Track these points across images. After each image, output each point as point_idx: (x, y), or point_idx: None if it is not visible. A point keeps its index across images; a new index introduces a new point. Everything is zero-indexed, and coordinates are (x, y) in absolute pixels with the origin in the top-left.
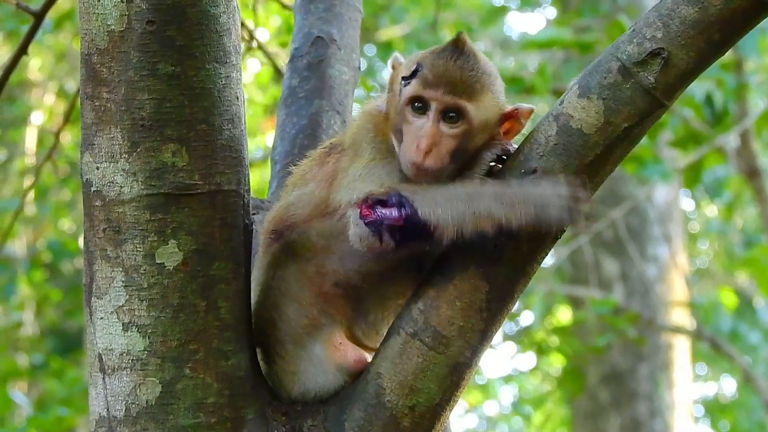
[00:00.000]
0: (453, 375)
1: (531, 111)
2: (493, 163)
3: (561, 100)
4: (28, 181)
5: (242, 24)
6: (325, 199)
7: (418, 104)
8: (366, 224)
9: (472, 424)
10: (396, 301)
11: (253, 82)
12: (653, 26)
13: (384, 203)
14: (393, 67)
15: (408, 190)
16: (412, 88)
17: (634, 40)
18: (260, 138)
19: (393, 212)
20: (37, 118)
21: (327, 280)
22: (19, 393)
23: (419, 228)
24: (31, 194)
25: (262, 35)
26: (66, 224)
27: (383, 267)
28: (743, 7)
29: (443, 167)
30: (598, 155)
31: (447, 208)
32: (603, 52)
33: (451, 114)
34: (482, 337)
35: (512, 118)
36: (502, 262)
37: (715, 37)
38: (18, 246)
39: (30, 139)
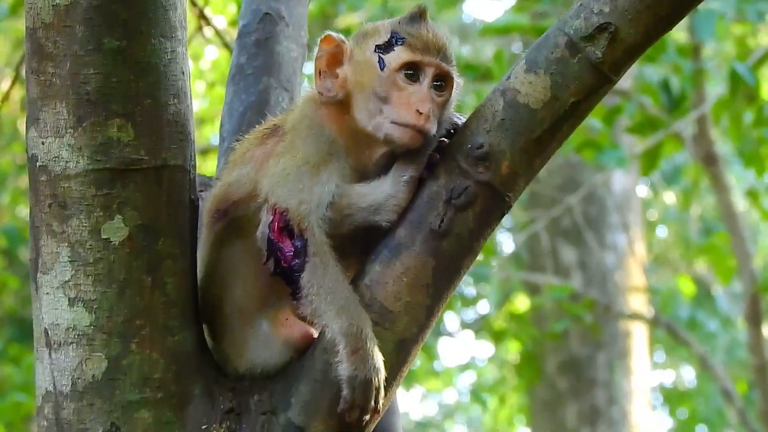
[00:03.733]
0: (399, 351)
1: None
2: (442, 139)
3: (508, 75)
4: None
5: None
6: (257, 181)
7: (410, 71)
8: (267, 240)
9: (431, 412)
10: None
11: (210, 68)
12: (600, 1)
13: (291, 236)
14: (328, 44)
15: (315, 246)
16: (404, 54)
17: (582, 15)
18: (218, 124)
19: (289, 252)
20: None
21: None
22: None
23: (294, 283)
24: None
25: (213, 17)
26: (24, 211)
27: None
28: None
29: (434, 131)
30: (545, 131)
31: (319, 296)
32: (550, 26)
33: (439, 82)
34: (428, 313)
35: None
36: (448, 238)
37: (663, 12)
38: None
39: None
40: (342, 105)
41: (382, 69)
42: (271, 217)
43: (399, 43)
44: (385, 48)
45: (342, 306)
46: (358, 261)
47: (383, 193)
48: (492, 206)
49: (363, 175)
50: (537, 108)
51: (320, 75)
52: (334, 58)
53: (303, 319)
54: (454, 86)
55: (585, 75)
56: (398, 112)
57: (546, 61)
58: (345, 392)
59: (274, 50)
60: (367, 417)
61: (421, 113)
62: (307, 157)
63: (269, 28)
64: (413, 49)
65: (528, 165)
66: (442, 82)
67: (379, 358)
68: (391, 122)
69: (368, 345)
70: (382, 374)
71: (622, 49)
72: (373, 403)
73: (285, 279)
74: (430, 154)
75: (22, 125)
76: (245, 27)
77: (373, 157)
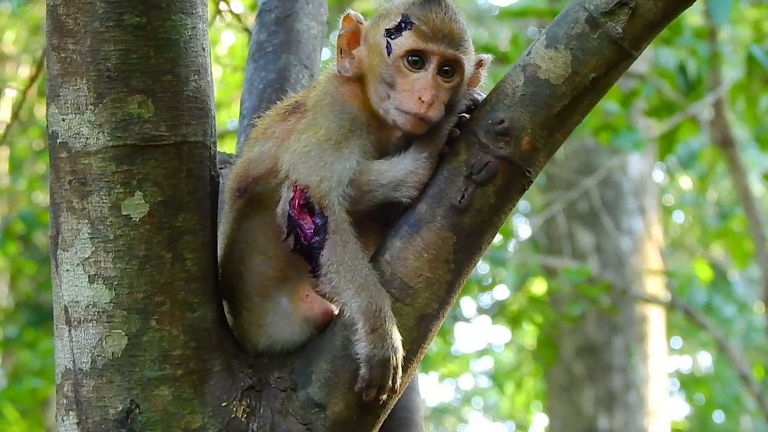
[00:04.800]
0: (420, 327)
1: (489, 60)
2: (462, 114)
3: (528, 51)
4: (2, 153)
5: None
6: (278, 157)
7: (415, 58)
8: (288, 216)
9: (448, 398)
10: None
11: (227, 54)
12: None
13: (312, 213)
14: (348, 23)
15: (335, 222)
16: (409, 41)
17: None
18: (235, 108)
19: (309, 229)
20: (11, 92)
21: None
22: None
23: (314, 260)
24: (6, 167)
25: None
26: (40, 197)
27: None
28: None
29: (440, 118)
30: (565, 105)
31: (339, 274)
32: (571, 2)
33: (447, 68)
34: (449, 289)
35: (480, 67)
36: (469, 213)
37: None
38: None
39: (4, 112)
40: (362, 83)
41: (389, 54)
42: (291, 194)
43: (408, 28)
44: (394, 33)
45: (361, 284)
46: (377, 238)
47: (404, 169)
48: (513, 181)
49: (384, 152)
50: (557, 83)
51: (341, 53)
52: (353, 38)
53: (323, 295)
54: (476, 66)
55: (605, 50)
56: (402, 99)
57: (566, 36)
58: (362, 371)
59: (293, 27)
60: (384, 396)
61: (423, 101)
62: (330, 134)
63: (289, 6)
64: (420, 36)
65: (548, 139)
66: (450, 67)
67: (397, 338)
68: (395, 108)
69: (387, 324)
70: (400, 354)
71: (642, 24)
72: (390, 382)
73: (305, 256)
74: (451, 129)
75: (38, 111)
76: (265, 4)
77: (393, 135)
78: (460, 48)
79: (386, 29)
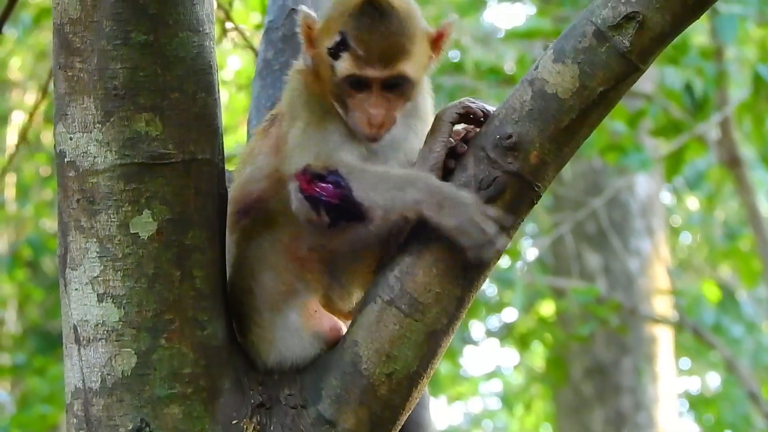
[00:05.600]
0: (430, 342)
1: (452, 22)
2: (460, 126)
3: (536, 65)
4: (9, 179)
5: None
6: (276, 168)
7: (356, 81)
8: (305, 198)
9: (457, 421)
10: (371, 265)
11: (233, 78)
12: None
13: (322, 178)
14: (306, 25)
15: (345, 167)
16: (346, 66)
17: (609, 4)
18: (242, 132)
19: (330, 189)
20: (18, 117)
21: (302, 245)
22: (1, 392)
23: (353, 208)
24: (13, 192)
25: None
26: (48, 223)
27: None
28: None
29: (394, 124)
30: (573, 119)
31: (380, 191)
32: (577, 16)
33: (391, 84)
34: (459, 304)
35: (440, 38)
36: None
37: (690, 0)
38: None
39: (11, 138)
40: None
41: (334, 74)
42: (296, 183)
43: (345, 49)
44: (334, 53)
45: (399, 184)
46: (386, 246)
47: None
48: (522, 196)
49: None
50: (565, 97)
51: (305, 46)
52: (308, 39)
53: (332, 310)
54: (436, 40)
55: (613, 64)
56: (352, 117)
57: (574, 50)
58: (462, 241)
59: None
60: (498, 242)
61: (372, 124)
62: (308, 119)
63: (296, 24)
64: (356, 60)
65: (557, 154)
66: (395, 81)
67: (464, 194)
68: (350, 122)
69: (446, 191)
70: (478, 202)
71: (650, 37)
72: (491, 225)
73: (346, 217)
74: (457, 144)
75: (44, 137)
76: (272, 23)
77: None
78: (401, 61)
79: (327, 48)
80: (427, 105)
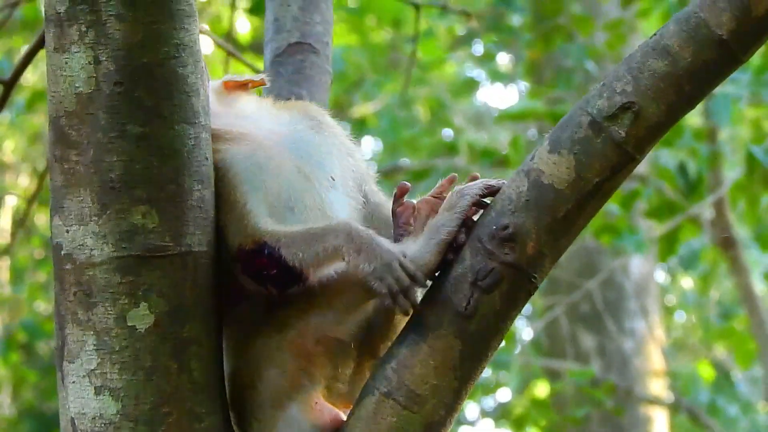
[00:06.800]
0: None
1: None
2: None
3: (531, 156)
4: (3, 263)
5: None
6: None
7: None
8: (250, 278)
9: None
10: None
11: None
12: (623, 80)
13: (257, 253)
14: None
15: (270, 237)
16: None
17: (604, 95)
18: None
19: (265, 263)
20: (11, 200)
21: (309, 340)
22: None
23: (290, 272)
24: (7, 276)
25: None
26: (42, 306)
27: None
28: (714, 60)
29: None
30: (570, 210)
31: (305, 249)
32: (573, 106)
33: None
34: (456, 396)
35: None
36: (475, 319)
37: (686, 89)
38: None
39: (4, 221)
40: None
41: None
42: (236, 266)
43: None
44: None
45: (316, 234)
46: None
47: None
48: (518, 287)
49: None
50: (562, 188)
51: None
52: None
53: (333, 400)
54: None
55: (609, 154)
56: None
57: (570, 140)
58: (375, 287)
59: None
60: (412, 292)
61: None
62: None
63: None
64: None
65: (554, 245)
66: None
67: (384, 241)
68: None
69: (364, 237)
70: (397, 250)
71: (646, 127)
72: (406, 275)
73: (289, 282)
74: (458, 235)
75: (38, 220)
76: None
77: None
78: None
79: None
80: None
